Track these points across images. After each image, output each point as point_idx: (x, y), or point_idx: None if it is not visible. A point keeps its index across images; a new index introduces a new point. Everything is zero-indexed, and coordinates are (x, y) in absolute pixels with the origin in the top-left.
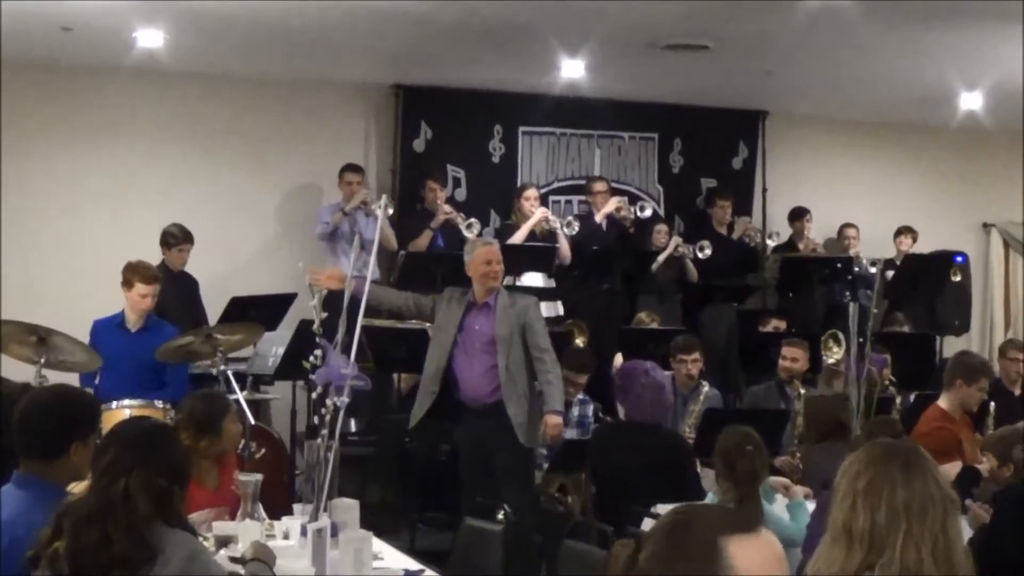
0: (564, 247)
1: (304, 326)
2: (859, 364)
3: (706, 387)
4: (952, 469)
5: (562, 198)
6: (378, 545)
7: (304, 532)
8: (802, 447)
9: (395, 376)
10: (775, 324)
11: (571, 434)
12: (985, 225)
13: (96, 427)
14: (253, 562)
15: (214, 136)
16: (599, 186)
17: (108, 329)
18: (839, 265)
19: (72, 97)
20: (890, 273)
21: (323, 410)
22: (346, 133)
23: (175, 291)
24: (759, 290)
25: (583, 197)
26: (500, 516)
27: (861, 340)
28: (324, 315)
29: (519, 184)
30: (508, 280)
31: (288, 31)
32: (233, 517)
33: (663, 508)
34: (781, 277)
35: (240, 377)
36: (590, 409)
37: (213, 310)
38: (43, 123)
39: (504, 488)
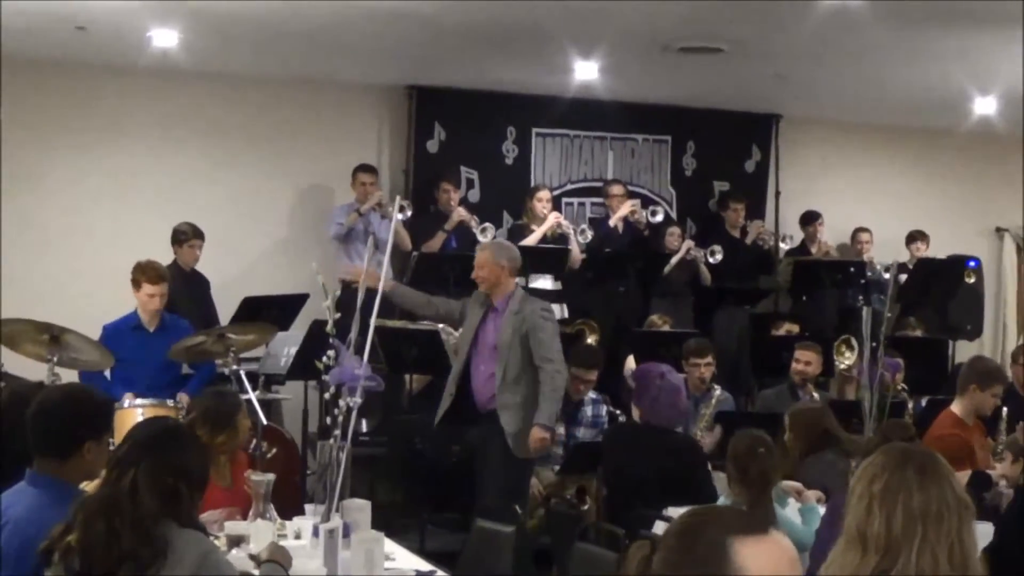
0: (575, 252)
1: (316, 326)
2: (872, 368)
3: (718, 390)
4: (963, 477)
5: (575, 200)
6: (389, 546)
7: (316, 532)
8: (790, 462)
9: (407, 377)
10: (787, 328)
11: (584, 434)
12: (998, 229)
13: (109, 426)
14: (268, 563)
15: (227, 136)
16: (616, 189)
17: (123, 331)
18: (852, 269)
19: (86, 96)
20: (903, 277)
21: (336, 411)
22: (359, 134)
23: (186, 290)
24: (772, 293)
25: (596, 199)
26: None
27: (874, 344)
28: (337, 316)
29: (532, 186)
30: (520, 281)
31: (302, 32)
32: (245, 517)
33: (675, 511)
34: (794, 281)
35: (252, 377)
36: (603, 409)
37: (224, 310)
38: (57, 122)
39: (481, 494)
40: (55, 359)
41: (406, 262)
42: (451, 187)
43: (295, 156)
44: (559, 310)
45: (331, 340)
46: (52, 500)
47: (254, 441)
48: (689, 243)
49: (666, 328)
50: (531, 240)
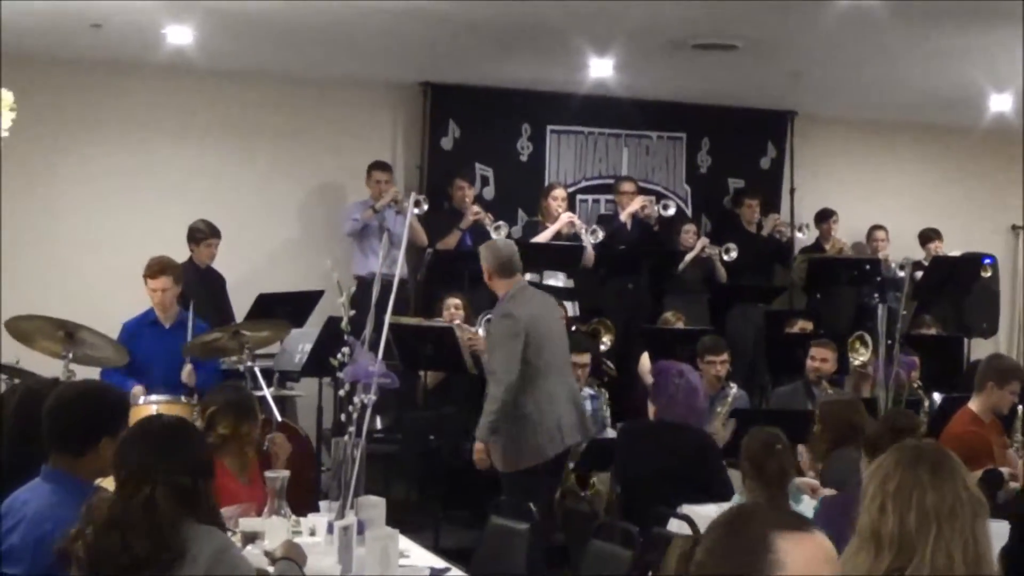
0: (588, 251)
1: (331, 323)
2: (887, 366)
3: (734, 388)
4: (978, 475)
5: (589, 197)
6: (404, 543)
7: (330, 529)
8: (816, 453)
9: (421, 374)
10: (801, 325)
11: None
12: (1014, 227)
13: (125, 423)
14: (282, 561)
15: (242, 133)
16: (627, 186)
17: (141, 328)
18: (867, 267)
19: (101, 93)
20: (918, 275)
21: (350, 407)
22: (374, 131)
23: (202, 287)
24: (786, 291)
25: (611, 196)
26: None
27: (889, 342)
28: (352, 313)
29: (547, 183)
30: (533, 277)
31: (317, 29)
32: (260, 513)
33: (690, 509)
34: (808, 278)
35: (267, 373)
36: (600, 403)
37: (239, 306)
38: (72, 119)
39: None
40: (70, 355)
41: (421, 258)
42: (465, 184)
43: (310, 153)
44: (571, 307)
45: (346, 337)
46: (67, 496)
47: (267, 438)
48: (704, 240)
49: (680, 325)
50: (543, 238)
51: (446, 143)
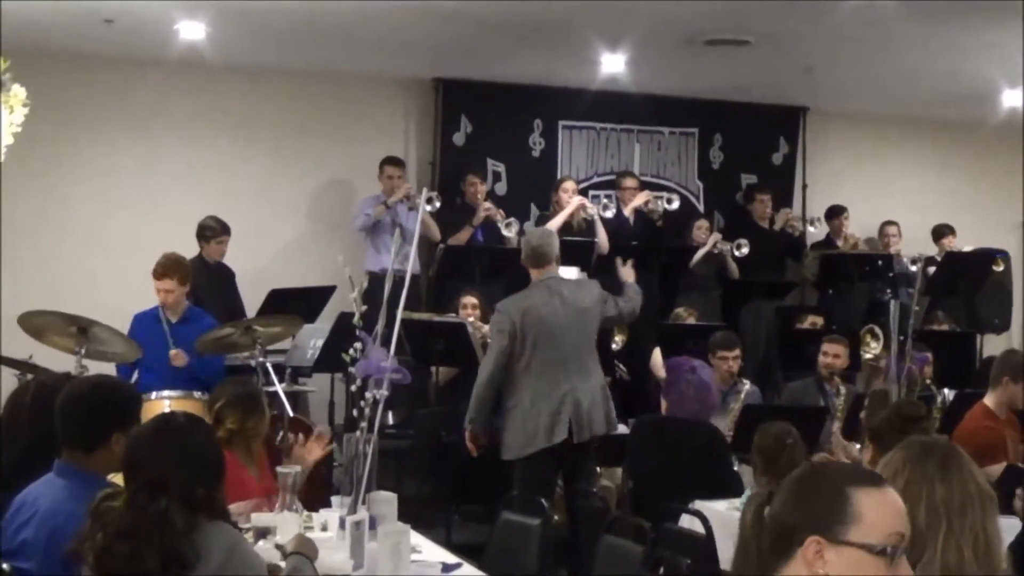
0: (602, 238)
1: (343, 319)
2: (899, 362)
3: (747, 385)
4: (996, 471)
5: (601, 192)
6: (416, 538)
7: (342, 524)
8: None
9: (433, 369)
10: (812, 320)
11: None
12: None
13: (137, 419)
14: (294, 556)
15: (254, 129)
16: (629, 182)
17: (148, 321)
18: (880, 263)
19: (113, 89)
20: (931, 270)
21: (362, 403)
22: (386, 126)
23: (212, 283)
24: (799, 287)
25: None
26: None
27: (902, 338)
28: (364, 308)
29: (558, 178)
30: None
31: (329, 25)
32: (271, 508)
33: (702, 504)
34: (820, 274)
35: (278, 369)
36: None
37: (250, 302)
38: (84, 115)
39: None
40: (82, 351)
41: (434, 253)
42: (478, 180)
43: (322, 149)
44: None
45: (358, 333)
46: (79, 491)
47: (281, 433)
48: (716, 236)
49: (692, 321)
50: (554, 225)
51: (458, 139)
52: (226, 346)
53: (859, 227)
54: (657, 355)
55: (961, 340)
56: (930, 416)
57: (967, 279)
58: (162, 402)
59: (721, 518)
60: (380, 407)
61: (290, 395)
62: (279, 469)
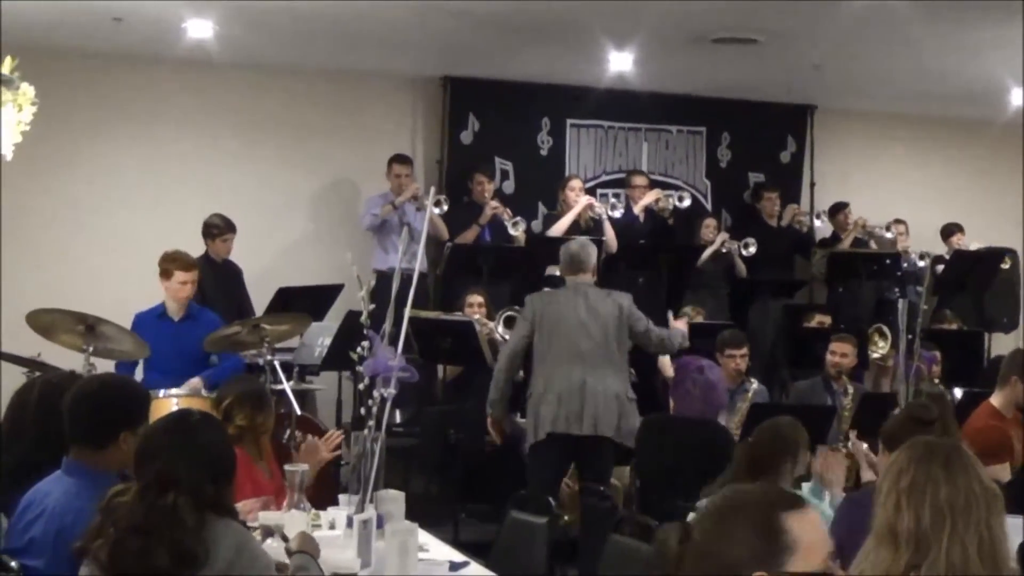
0: (610, 236)
1: (351, 317)
2: (908, 361)
3: (754, 383)
4: (1002, 470)
5: (609, 191)
6: (423, 537)
7: (350, 523)
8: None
9: (440, 368)
10: (819, 320)
11: None
12: None
13: (146, 417)
14: (300, 554)
15: (262, 127)
16: (638, 180)
17: (151, 321)
18: (888, 261)
19: (121, 87)
20: (939, 268)
21: (370, 401)
22: (394, 124)
23: (218, 281)
24: (807, 285)
25: (624, 191)
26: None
27: (910, 337)
28: (372, 307)
29: (565, 176)
30: (551, 271)
31: (337, 23)
32: (279, 506)
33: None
34: (828, 273)
35: (286, 367)
36: None
37: (257, 299)
38: (92, 112)
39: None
40: (91, 349)
41: (441, 252)
42: (485, 179)
43: (329, 147)
44: None
45: (366, 331)
46: (87, 489)
47: (288, 431)
48: (724, 235)
49: (699, 319)
50: (561, 225)
51: (466, 137)
52: (234, 344)
53: (862, 215)
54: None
55: (969, 339)
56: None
57: (975, 277)
58: (170, 400)
59: None
60: (388, 405)
61: (298, 393)
62: (287, 467)
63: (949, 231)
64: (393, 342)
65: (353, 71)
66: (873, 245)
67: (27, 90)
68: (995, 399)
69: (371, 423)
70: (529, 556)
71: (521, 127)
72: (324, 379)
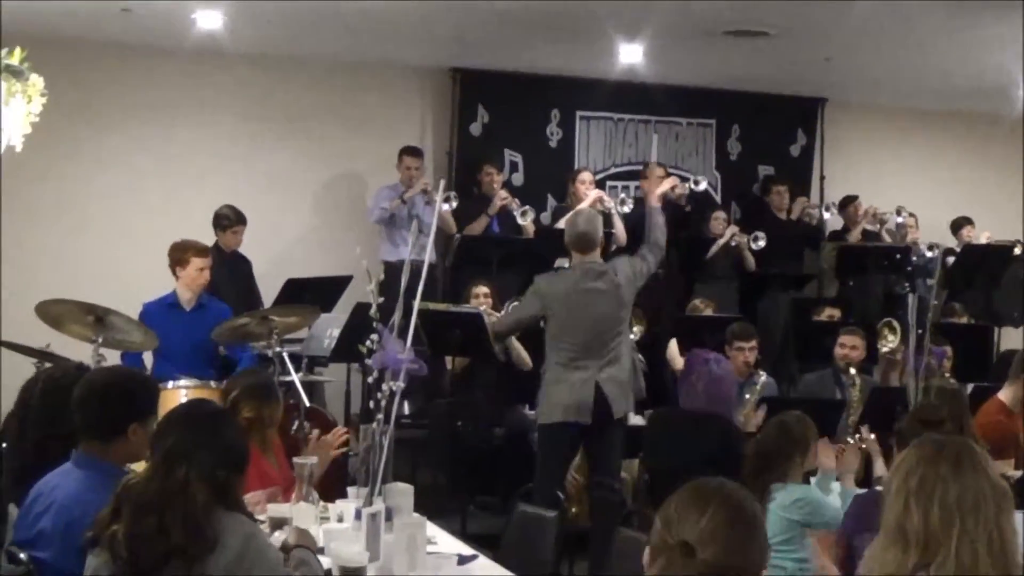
0: (620, 230)
1: (360, 309)
2: (918, 356)
3: (763, 376)
4: (1007, 466)
5: (619, 183)
6: (431, 530)
7: (359, 516)
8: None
9: (448, 359)
10: (829, 313)
11: None
12: None
13: (155, 409)
14: (299, 549)
15: (271, 118)
16: (656, 171)
17: (161, 310)
18: (898, 256)
19: (130, 78)
20: (949, 260)
21: (379, 394)
22: (403, 116)
23: (228, 272)
24: (816, 278)
25: (640, 183)
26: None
27: (920, 332)
28: (381, 300)
29: (575, 168)
30: (561, 263)
31: (346, 14)
32: (288, 498)
33: None
34: (838, 267)
35: (295, 359)
36: None
37: (266, 291)
38: (101, 103)
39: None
40: (100, 340)
41: (449, 245)
42: (494, 170)
43: (339, 139)
44: None
45: (375, 325)
46: (97, 482)
47: (296, 423)
48: (733, 228)
49: (708, 312)
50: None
51: (475, 129)
52: (243, 336)
53: (872, 204)
54: (673, 346)
55: (978, 333)
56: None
57: (985, 272)
58: (178, 391)
59: None
60: (396, 399)
61: (306, 385)
62: (296, 460)
63: (959, 225)
64: (402, 334)
65: (362, 62)
66: (885, 235)
67: (36, 81)
68: (1003, 394)
69: (380, 416)
70: (538, 549)
71: (531, 119)
72: (333, 371)
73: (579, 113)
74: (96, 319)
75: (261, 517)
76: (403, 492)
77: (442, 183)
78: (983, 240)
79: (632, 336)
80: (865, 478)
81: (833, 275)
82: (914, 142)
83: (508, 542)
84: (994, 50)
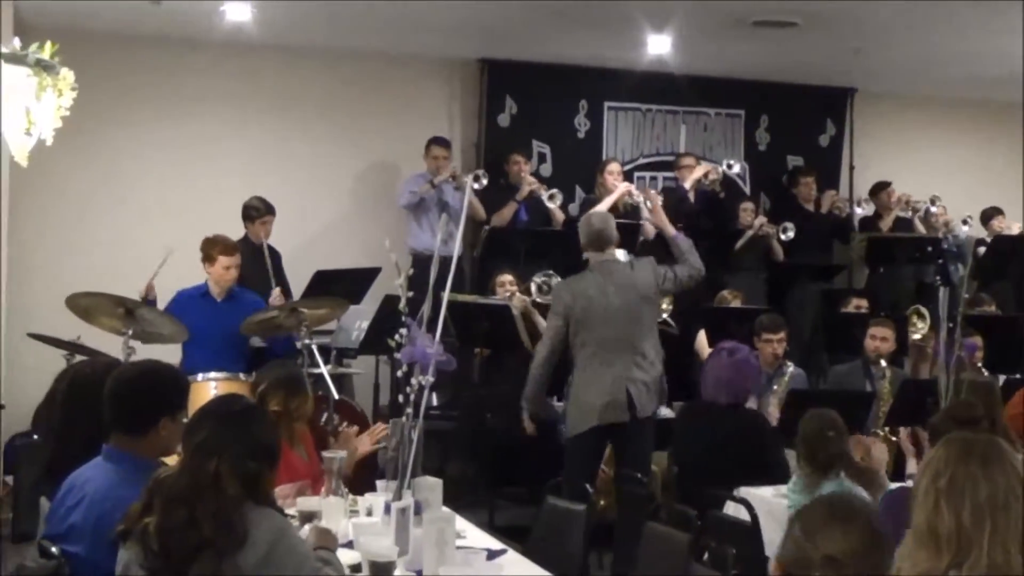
0: (648, 224)
1: (388, 301)
2: (948, 348)
3: (791, 367)
4: None
5: (647, 174)
6: (460, 523)
7: (388, 510)
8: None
9: (477, 351)
10: (857, 304)
11: None
12: None
13: (185, 403)
14: (321, 551)
15: (300, 109)
16: (687, 160)
17: (193, 299)
18: (929, 248)
19: (160, 70)
20: (980, 250)
21: (408, 388)
22: (431, 107)
23: (257, 263)
24: (846, 268)
25: (668, 173)
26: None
27: (951, 325)
28: (410, 294)
29: (603, 159)
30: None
31: (375, 5)
32: (317, 491)
33: (747, 491)
34: (867, 257)
35: (323, 350)
36: None
37: (295, 282)
38: (131, 95)
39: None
40: (130, 332)
41: (478, 235)
42: (522, 159)
43: (367, 129)
44: None
45: (404, 319)
46: (127, 475)
47: (325, 415)
48: (761, 219)
49: (736, 303)
50: (601, 209)
51: (503, 120)
52: (273, 328)
53: (905, 192)
54: (702, 338)
55: (1010, 324)
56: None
57: (1017, 262)
58: (208, 384)
59: (768, 505)
60: (426, 393)
61: (335, 377)
62: (325, 454)
63: (989, 215)
64: (431, 328)
65: (391, 53)
66: (918, 224)
67: (67, 75)
68: None
69: (409, 411)
70: (566, 543)
71: (559, 110)
72: (361, 363)
73: (607, 104)
74: (126, 311)
75: (291, 511)
76: (432, 486)
77: (471, 173)
78: (1015, 231)
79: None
80: (896, 471)
81: (863, 265)
82: (944, 131)
83: (537, 536)
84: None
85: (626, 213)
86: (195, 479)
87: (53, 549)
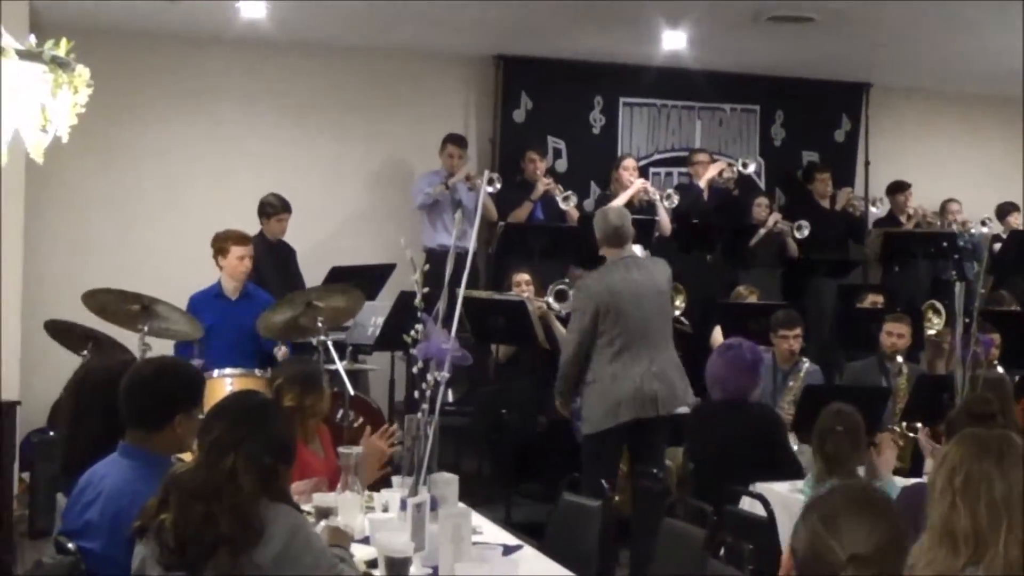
0: (664, 220)
1: (404, 297)
2: (964, 344)
3: (806, 363)
4: None
5: (662, 170)
6: (476, 519)
7: (403, 506)
8: None
9: (493, 347)
10: (873, 299)
11: None
12: None
13: (200, 400)
14: (336, 549)
15: (315, 106)
16: (701, 157)
17: (206, 300)
18: (944, 244)
19: (175, 67)
20: (996, 246)
21: (423, 384)
22: (446, 103)
23: (273, 260)
24: (861, 264)
25: (683, 169)
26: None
27: (967, 321)
28: (426, 290)
29: (618, 155)
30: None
31: (389, 1)
32: (333, 487)
33: (763, 487)
34: (883, 253)
35: (339, 347)
36: None
37: (311, 279)
38: (147, 93)
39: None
40: (146, 328)
41: (492, 232)
42: (537, 156)
43: (382, 126)
44: None
45: (419, 315)
46: (143, 472)
47: (340, 411)
48: (776, 215)
49: (752, 299)
50: (616, 205)
51: (518, 116)
52: (291, 331)
53: (921, 204)
54: (718, 333)
55: None
56: (1005, 403)
57: None
58: (223, 380)
59: (783, 500)
60: (441, 389)
61: (351, 373)
62: (340, 450)
63: (1005, 210)
64: (447, 323)
65: (406, 49)
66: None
67: (83, 72)
68: None
69: (425, 407)
70: (583, 540)
71: (574, 105)
72: (377, 359)
73: (622, 100)
74: (142, 308)
75: (307, 507)
76: (448, 482)
77: (486, 173)
78: None
79: (676, 311)
80: (913, 467)
81: (878, 261)
82: (960, 127)
83: (553, 532)
84: None
85: (641, 209)
86: (211, 475)
87: (70, 545)
